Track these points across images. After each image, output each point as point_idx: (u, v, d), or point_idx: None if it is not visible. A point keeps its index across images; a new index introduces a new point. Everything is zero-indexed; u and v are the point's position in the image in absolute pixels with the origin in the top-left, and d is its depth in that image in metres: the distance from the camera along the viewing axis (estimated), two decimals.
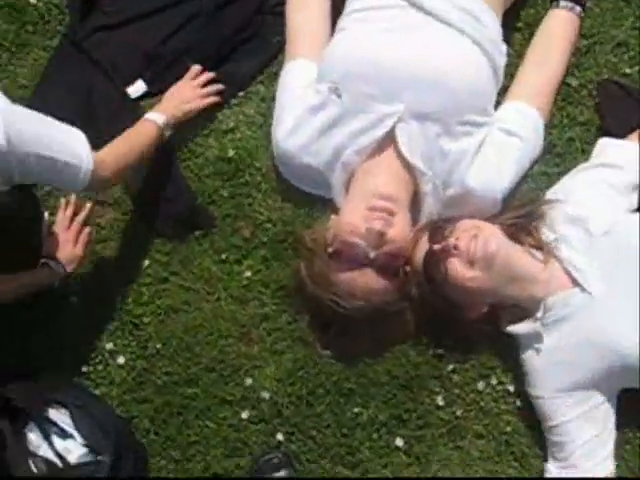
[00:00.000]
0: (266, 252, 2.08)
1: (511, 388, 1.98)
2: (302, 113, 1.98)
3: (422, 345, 2.01)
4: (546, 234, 1.90)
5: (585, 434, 1.82)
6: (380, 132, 1.91)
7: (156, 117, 1.97)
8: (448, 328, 1.96)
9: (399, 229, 1.86)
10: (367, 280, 1.86)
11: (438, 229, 1.89)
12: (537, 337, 1.86)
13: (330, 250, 1.88)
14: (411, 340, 2.01)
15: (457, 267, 1.82)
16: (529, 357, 1.88)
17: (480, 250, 1.79)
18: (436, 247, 1.86)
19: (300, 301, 2.01)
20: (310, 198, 2.08)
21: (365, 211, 1.85)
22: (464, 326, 1.93)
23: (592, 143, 2.06)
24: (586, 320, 1.81)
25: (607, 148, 1.97)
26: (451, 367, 2.00)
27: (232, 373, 2.04)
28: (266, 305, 2.06)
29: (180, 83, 2.08)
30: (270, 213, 2.10)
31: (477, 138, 1.93)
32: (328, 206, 2.04)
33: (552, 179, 2.05)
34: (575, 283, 1.84)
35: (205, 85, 2.10)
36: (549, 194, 1.98)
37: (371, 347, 2.01)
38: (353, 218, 1.87)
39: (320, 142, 1.97)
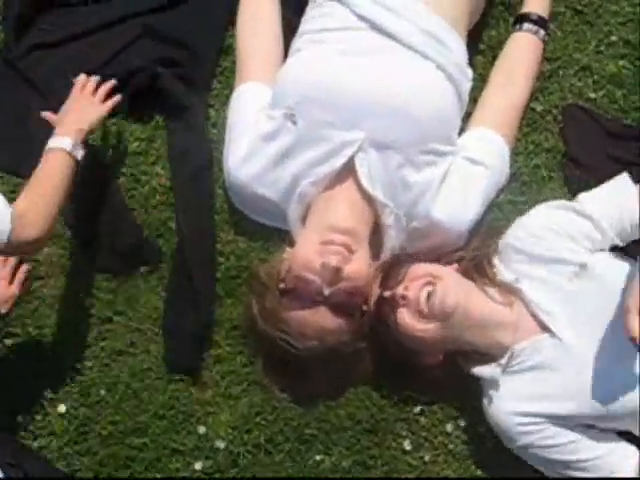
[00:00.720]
0: (218, 289, 1.94)
1: (482, 429, 1.87)
2: (255, 140, 1.85)
3: (386, 387, 1.90)
4: (504, 273, 1.80)
5: (597, 450, 1.73)
6: (338, 162, 1.80)
7: (60, 143, 1.75)
8: (409, 371, 1.85)
9: (357, 265, 1.74)
10: (320, 319, 1.74)
11: (391, 272, 1.78)
12: (496, 384, 1.75)
13: (282, 286, 1.76)
14: (373, 382, 1.89)
15: (406, 318, 1.72)
16: (488, 403, 1.78)
17: (437, 306, 1.69)
18: (385, 294, 1.75)
19: (253, 341, 1.88)
20: (266, 230, 1.96)
21: (321, 245, 1.74)
22: (425, 370, 1.83)
23: (557, 170, 2.00)
24: (559, 370, 1.71)
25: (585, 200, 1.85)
26: (418, 409, 1.89)
27: (184, 421, 1.90)
28: (219, 346, 1.92)
29: (71, 97, 1.86)
30: (222, 246, 1.97)
31: (441, 168, 1.83)
32: (285, 238, 1.92)
33: (518, 208, 1.95)
34: (543, 327, 1.74)
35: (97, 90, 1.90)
36: (511, 231, 1.88)
37: (331, 389, 1.88)
38: (308, 252, 1.74)
39: (275, 172, 1.85)
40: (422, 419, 1.89)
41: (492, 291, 1.77)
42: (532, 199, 1.96)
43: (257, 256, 1.96)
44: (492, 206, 1.94)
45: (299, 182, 1.82)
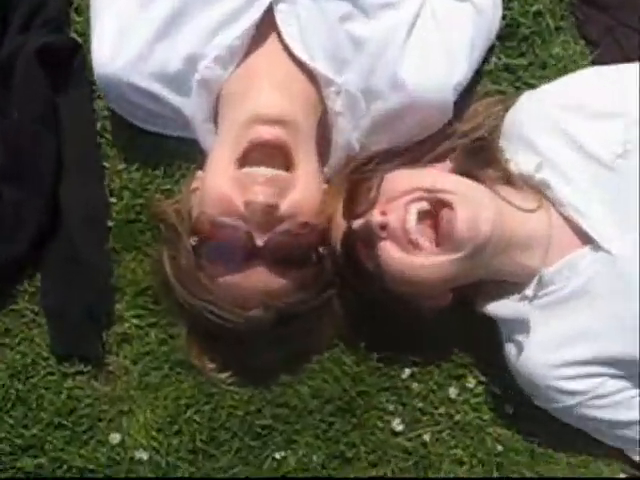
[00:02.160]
0: (114, 241, 1.38)
1: (497, 390, 1.36)
2: (127, 9, 1.25)
3: (361, 348, 1.37)
4: (520, 162, 1.25)
5: None
6: (249, 21, 1.22)
7: None
8: (402, 324, 1.32)
9: (300, 192, 1.18)
10: (258, 281, 1.20)
11: (356, 190, 1.24)
12: (524, 325, 1.23)
13: (194, 241, 1.20)
14: (344, 342, 1.36)
15: (394, 254, 1.18)
16: (515, 353, 1.26)
17: (464, 234, 1.14)
18: (356, 226, 1.21)
19: (170, 306, 1.34)
20: (168, 146, 1.38)
21: (239, 168, 1.17)
22: (418, 312, 1.30)
23: (567, 17, 1.42)
24: (606, 295, 1.19)
25: None
26: (408, 372, 1.37)
27: (89, 428, 1.38)
28: (124, 320, 1.38)
29: None
30: (111, 180, 1.40)
31: (407, 9, 1.26)
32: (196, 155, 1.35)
33: (518, 74, 1.40)
34: (584, 238, 1.21)
35: None
36: (526, 101, 1.32)
37: (286, 360, 1.36)
38: (221, 184, 1.17)
39: (160, 51, 1.25)
40: (414, 385, 1.37)
41: (512, 193, 1.24)
42: (536, 62, 1.41)
43: (159, 188, 1.38)
44: (480, 72, 1.38)
45: (196, 63, 1.24)
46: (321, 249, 1.22)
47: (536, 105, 1.28)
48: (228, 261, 1.18)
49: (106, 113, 1.40)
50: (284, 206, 1.16)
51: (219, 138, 1.24)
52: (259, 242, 1.16)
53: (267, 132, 1.16)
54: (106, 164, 1.39)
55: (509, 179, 1.27)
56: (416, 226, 1.16)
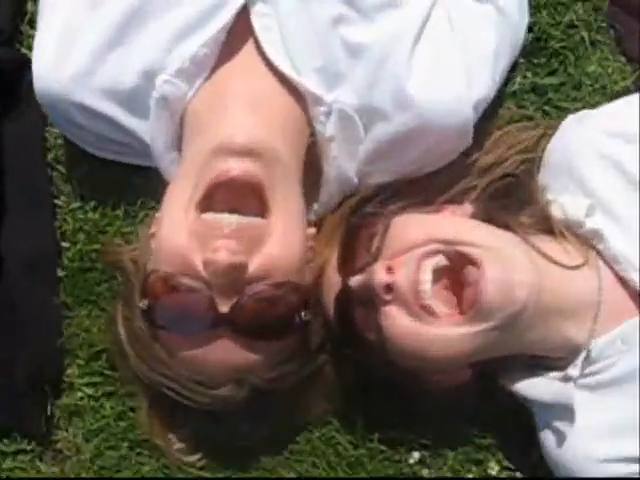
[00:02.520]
0: (64, 294, 1.16)
1: (525, 476, 1.12)
2: (73, 12, 1.03)
3: (360, 426, 1.13)
4: (565, 204, 1.02)
5: None
6: (218, 25, 1.00)
7: None
8: (400, 389, 1.08)
9: (276, 245, 0.94)
10: (224, 355, 0.96)
11: (355, 237, 1.01)
12: (566, 410, 0.99)
13: (144, 304, 0.97)
14: (339, 419, 1.13)
15: (401, 322, 0.95)
16: (553, 442, 1.01)
17: (494, 305, 0.91)
18: (353, 284, 0.97)
19: (127, 373, 1.10)
20: (125, 180, 1.17)
21: (198, 218, 0.94)
22: (428, 387, 1.06)
23: (604, 30, 1.20)
24: None
25: None
26: (416, 456, 1.13)
27: None
28: (76, 388, 1.15)
29: None
30: (63, 222, 1.17)
31: (416, 10, 1.02)
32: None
33: (547, 96, 1.19)
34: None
35: None
36: (568, 128, 1.10)
37: (268, 439, 1.12)
38: (178, 232, 0.94)
39: (113, 61, 1.02)
40: (425, 472, 1.13)
41: (552, 245, 1.01)
42: (571, 80, 1.19)
43: (119, 230, 1.16)
44: (504, 95, 1.16)
45: (155, 78, 1.02)
46: (304, 313, 0.98)
47: (588, 132, 1.05)
48: (187, 331, 0.95)
49: (60, 142, 1.19)
50: (255, 264, 0.92)
51: (180, 172, 1.01)
52: (223, 308, 0.92)
53: (235, 166, 0.93)
54: (58, 201, 1.17)
55: (547, 227, 1.04)
56: (431, 288, 0.93)
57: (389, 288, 0.93)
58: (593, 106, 1.15)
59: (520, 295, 0.90)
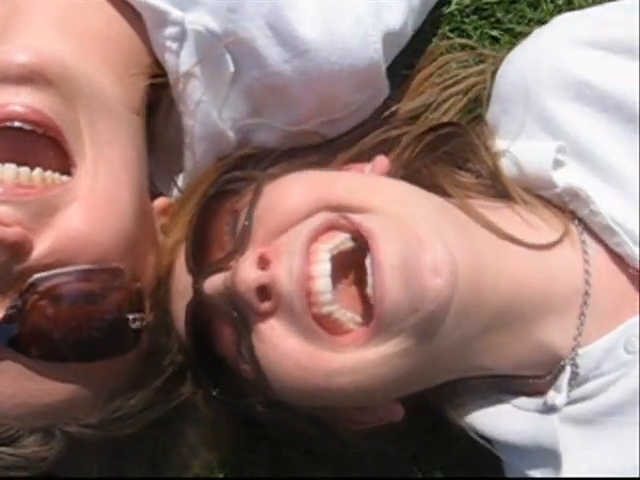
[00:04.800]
0: None
1: None
2: None
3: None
4: (526, 145, 0.71)
5: None
6: None
7: None
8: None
9: (81, 215, 0.63)
10: (7, 390, 0.63)
11: (212, 216, 0.69)
12: (549, 454, 0.65)
13: None
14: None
15: (288, 346, 0.62)
16: None
17: (394, 299, 0.59)
18: (209, 289, 0.64)
19: None
20: None
21: None
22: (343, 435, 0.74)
23: None
24: None
25: None
26: None
27: None
28: None
29: None
30: None
31: None
32: None
33: (495, 17, 0.88)
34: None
35: None
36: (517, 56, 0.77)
37: None
38: None
39: None
40: None
41: (508, 213, 0.70)
42: None
43: None
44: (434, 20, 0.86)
45: None
46: (135, 317, 0.66)
47: (555, 43, 0.73)
48: None
49: None
50: (44, 244, 0.62)
51: None
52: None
53: (10, 100, 0.62)
54: None
55: (503, 191, 0.72)
56: (332, 286, 0.61)
57: (263, 292, 0.61)
58: None
59: (433, 284, 0.58)
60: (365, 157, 0.73)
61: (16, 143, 0.63)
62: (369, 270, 0.59)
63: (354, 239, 0.61)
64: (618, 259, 0.67)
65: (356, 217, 0.60)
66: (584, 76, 0.69)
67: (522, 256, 0.65)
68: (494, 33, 0.88)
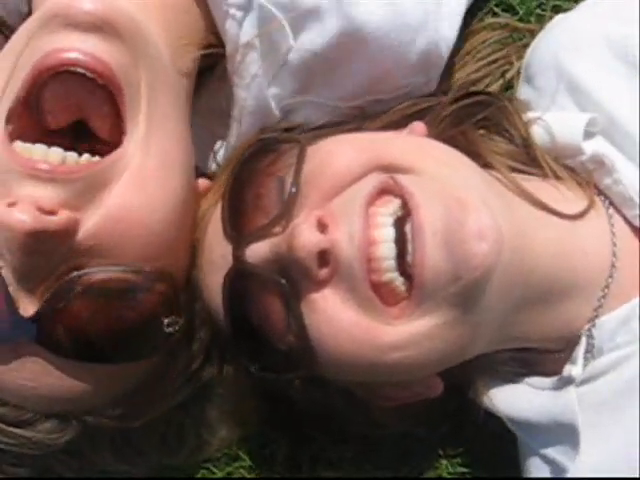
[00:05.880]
0: None
1: None
2: None
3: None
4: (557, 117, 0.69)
5: None
6: None
7: None
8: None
9: (130, 195, 0.60)
10: (34, 381, 0.61)
11: (252, 181, 0.65)
12: (566, 431, 0.62)
13: None
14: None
15: (345, 317, 0.59)
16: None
17: (436, 268, 0.57)
18: (253, 257, 0.61)
19: None
20: None
21: (9, 137, 0.59)
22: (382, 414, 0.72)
23: None
24: None
25: None
26: None
27: None
28: None
29: None
30: None
31: None
32: None
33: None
34: None
35: None
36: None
37: None
38: None
39: None
40: None
41: (541, 184, 0.68)
42: None
43: None
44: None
45: None
46: (169, 321, 0.63)
47: (587, 18, 0.71)
48: None
49: None
50: (87, 230, 0.59)
51: None
52: (26, 309, 0.59)
53: (74, 45, 0.59)
54: None
55: (534, 163, 0.70)
56: (395, 253, 0.59)
57: (322, 257, 0.58)
58: None
59: (478, 250, 0.56)
60: (393, 127, 0.71)
61: (70, 93, 0.60)
62: (409, 236, 0.57)
63: (404, 205, 0.59)
64: (637, 232, 0.65)
65: (403, 179, 0.58)
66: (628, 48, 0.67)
67: (558, 227, 0.64)
68: (538, 11, 0.87)
